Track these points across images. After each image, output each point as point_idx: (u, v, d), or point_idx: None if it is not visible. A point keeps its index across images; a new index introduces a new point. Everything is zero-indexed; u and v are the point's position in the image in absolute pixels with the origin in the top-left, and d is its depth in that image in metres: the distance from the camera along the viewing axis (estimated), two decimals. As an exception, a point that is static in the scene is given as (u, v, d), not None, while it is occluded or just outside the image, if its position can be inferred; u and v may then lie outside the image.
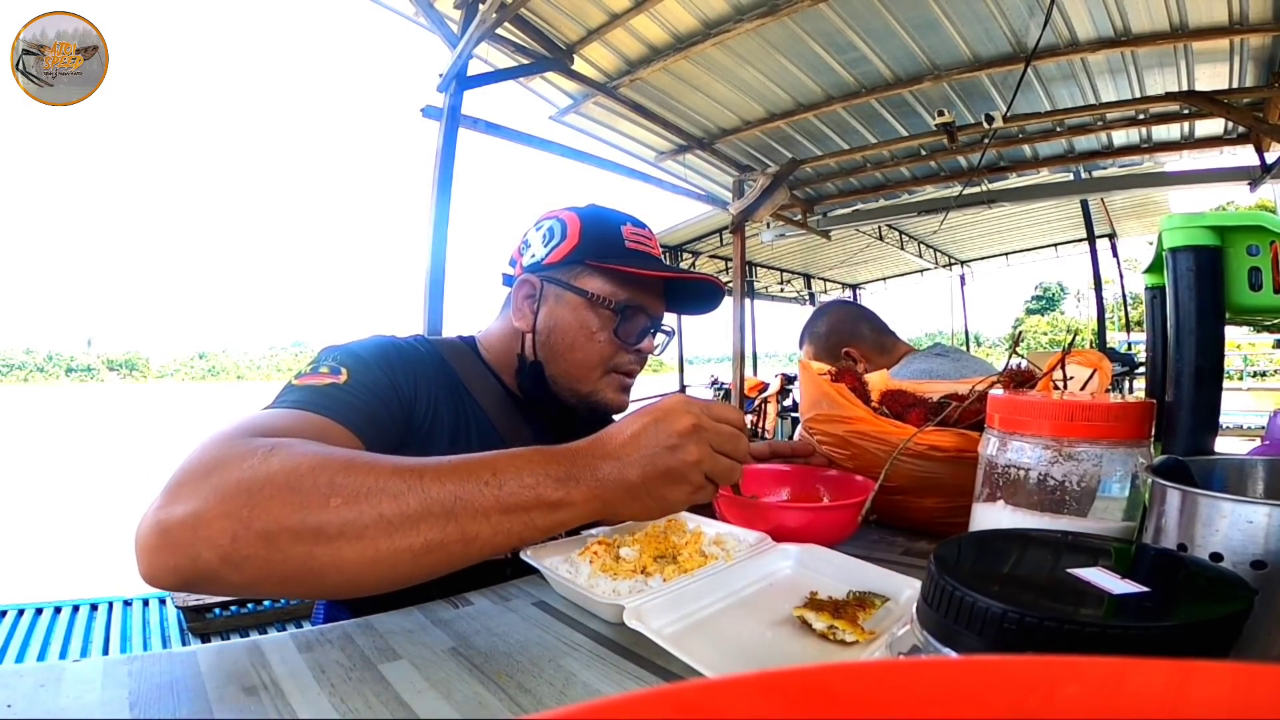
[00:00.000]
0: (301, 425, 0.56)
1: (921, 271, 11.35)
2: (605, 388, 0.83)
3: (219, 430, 0.50)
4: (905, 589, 0.52)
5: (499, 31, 3.20)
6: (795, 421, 1.15)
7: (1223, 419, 0.64)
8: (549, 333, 0.81)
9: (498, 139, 3.67)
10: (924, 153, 5.09)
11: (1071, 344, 0.84)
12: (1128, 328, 12.02)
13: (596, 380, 0.82)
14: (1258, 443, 0.75)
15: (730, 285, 5.64)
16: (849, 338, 1.54)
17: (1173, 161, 5.04)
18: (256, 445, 0.46)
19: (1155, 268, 0.71)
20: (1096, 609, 0.28)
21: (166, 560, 0.41)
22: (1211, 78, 3.79)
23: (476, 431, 0.78)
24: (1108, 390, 0.81)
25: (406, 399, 0.71)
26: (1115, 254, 8.94)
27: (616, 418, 0.56)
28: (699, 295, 0.88)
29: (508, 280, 0.88)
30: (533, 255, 0.83)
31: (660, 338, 0.87)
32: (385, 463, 0.45)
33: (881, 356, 1.52)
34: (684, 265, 8.65)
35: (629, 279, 0.80)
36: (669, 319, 0.89)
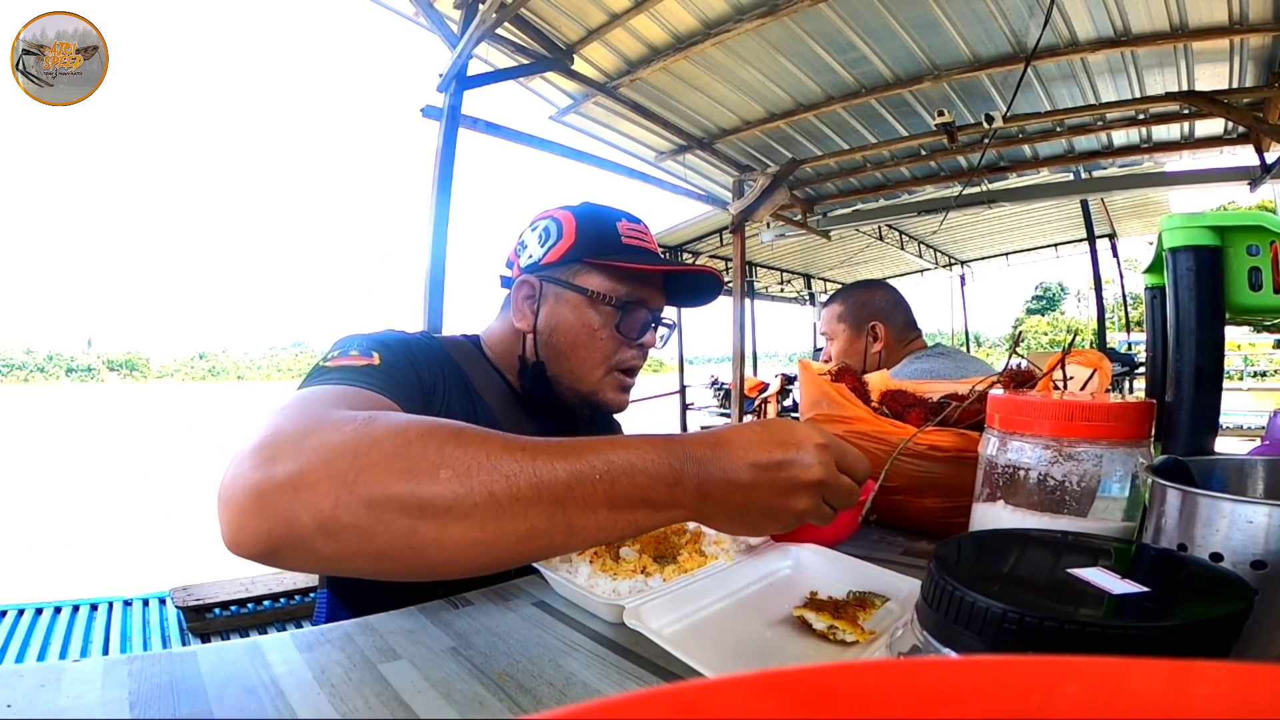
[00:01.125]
0: (363, 399, 0.54)
1: (921, 271, 11.34)
2: (606, 387, 0.83)
3: (283, 404, 0.48)
4: (905, 589, 0.53)
5: (499, 31, 3.20)
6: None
7: (1223, 419, 0.64)
8: (550, 332, 0.81)
9: (498, 139, 3.67)
10: (924, 153, 5.09)
11: (1071, 344, 0.84)
12: (1128, 328, 12.02)
13: (599, 379, 0.82)
14: (1258, 443, 0.75)
15: (730, 284, 5.65)
16: (882, 315, 1.55)
17: (1173, 161, 5.04)
18: (352, 413, 0.44)
19: (1155, 268, 0.71)
20: (1096, 609, 0.28)
21: (259, 525, 0.38)
22: (1211, 78, 3.79)
23: None
24: (1108, 390, 0.80)
25: (427, 390, 0.71)
26: (1115, 254, 8.94)
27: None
28: (697, 288, 0.89)
29: (505, 283, 0.88)
30: (530, 256, 0.83)
31: (662, 331, 0.88)
32: (495, 437, 0.43)
33: (898, 346, 1.53)
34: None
35: (628, 274, 0.81)
36: (669, 313, 0.89)
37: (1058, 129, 4.63)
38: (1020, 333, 1.64)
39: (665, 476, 0.44)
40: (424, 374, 0.70)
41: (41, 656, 2.37)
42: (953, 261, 10.93)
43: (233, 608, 2.70)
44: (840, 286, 1.70)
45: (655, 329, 0.85)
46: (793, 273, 10.94)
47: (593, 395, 0.83)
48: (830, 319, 1.63)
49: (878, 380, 1.01)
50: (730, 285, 5.62)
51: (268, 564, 0.40)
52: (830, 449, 0.48)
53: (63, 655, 2.38)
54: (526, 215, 0.89)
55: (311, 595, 2.85)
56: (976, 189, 5.54)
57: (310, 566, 0.40)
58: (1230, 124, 4.27)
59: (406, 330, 0.79)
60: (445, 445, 0.41)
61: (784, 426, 0.49)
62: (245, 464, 0.40)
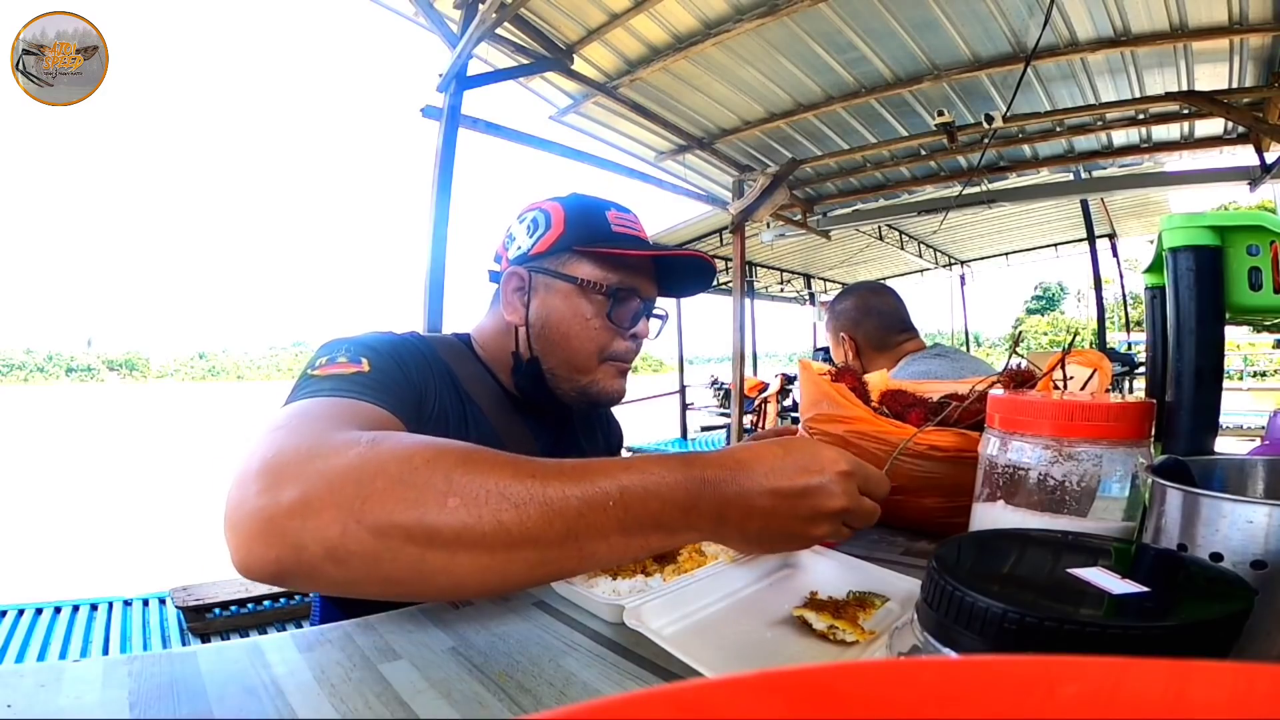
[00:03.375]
0: (357, 411, 0.53)
1: (921, 271, 11.35)
2: (603, 376, 0.82)
3: (280, 420, 0.47)
4: (905, 589, 0.52)
5: (499, 31, 3.20)
6: (795, 421, 1.19)
7: (1223, 419, 0.64)
8: (542, 324, 0.80)
9: (498, 139, 3.67)
10: (924, 153, 5.09)
11: (1071, 344, 0.84)
12: (1128, 328, 12.03)
13: (595, 369, 0.81)
14: (1258, 443, 0.75)
15: (730, 283, 5.64)
16: (850, 325, 1.58)
17: (1173, 161, 5.04)
18: (356, 435, 0.43)
19: (1155, 268, 0.71)
20: (1096, 609, 0.28)
21: (268, 551, 0.38)
22: (1211, 78, 3.79)
23: (475, 432, 0.77)
24: (1108, 390, 0.80)
25: (418, 393, 0.69)
26: (1115, 254, 8.94)
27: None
28: (690, 275, 0.87)
29: (494, 277, 0.87)
30: (519, 248, 0.82)
31: (656, 322, 0.87)
32: (505, 462, 0.42)
33: (879, 353, 1.54)
34: (684, 265, 8.59)
35: (618, 261, 0.79)
36: (666, 304, 0.88)
37: (1058, 129, 4.63)
38: (1020, 333, 1.65)
39: (680, 501, 0.43)
40: (413, 376, 0.69)
41: (41, 656, 2.37)
42: (952, 261, 10.93)
43: (233, 608, 2.70)
44: (840, 290, 1.76)
45: (648, 319, 0.84)
46: (793, 273, 10.93)
47: (591, 385, 0.82)
48: (825, 329, 1.69)
49: (878, 380, 1.01)
50: (730, 284, 5.62)
51: (279, 585, 0.40)
52: (855, 476, 0.48)
53: (63, 655, 2.38)
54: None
55: (309, 596, 2.84)
56: (976, 189, 5.54)
57: (321, 589, 0.41)
58: (1230, 124, 4.27)
59: (394, 331, 0.78)
60: (453, 471, 0.40)
61: (808, 451, 0.47)
62: (251, 488, 0.40)
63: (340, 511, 0.38)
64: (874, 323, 1.57)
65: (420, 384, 0.70)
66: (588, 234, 0.80)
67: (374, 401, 0.56)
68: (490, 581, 0.40)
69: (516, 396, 0.85)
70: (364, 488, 0.39)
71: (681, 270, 0.87)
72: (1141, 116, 4.34)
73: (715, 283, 0.92)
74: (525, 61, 3.63)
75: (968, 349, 10.97)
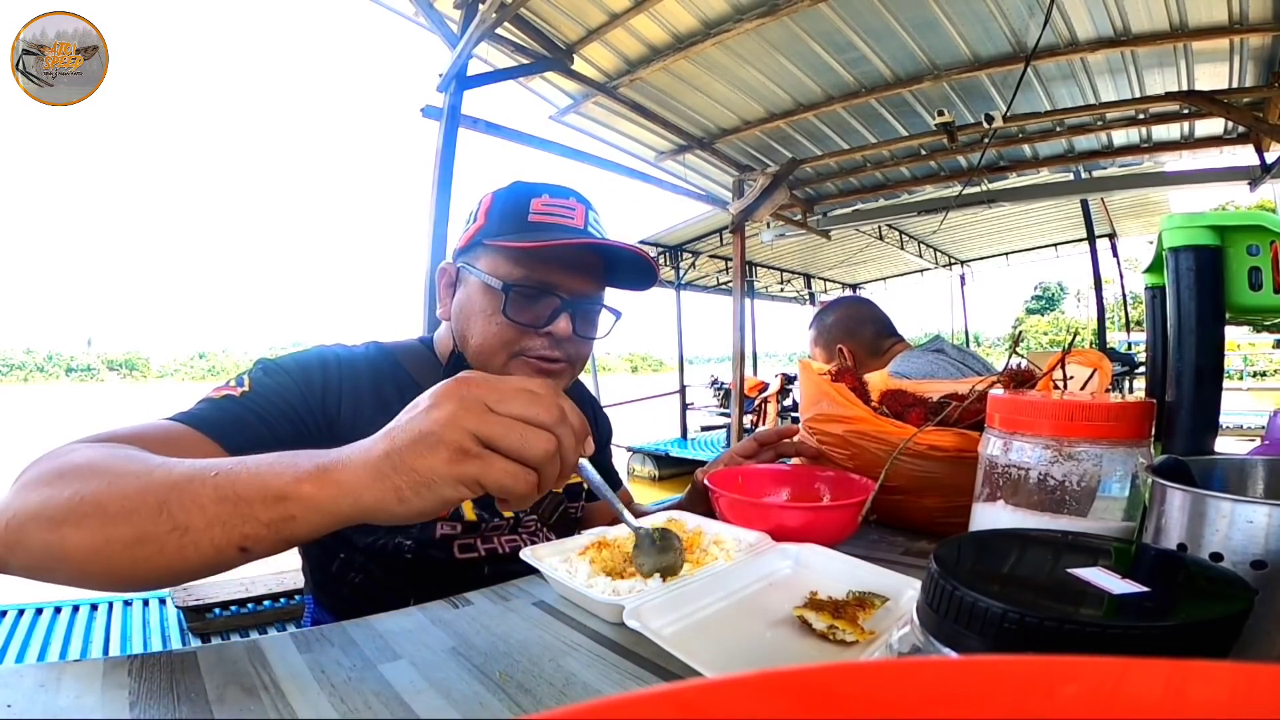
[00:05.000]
0: (154, 434, 0.57)
1: (921, 271, 11.35)
2: (515, 372, 0.76)
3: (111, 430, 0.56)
4: (905, 589, 0.52)
5: (499, 31, 3.20)
6: (795, 421, 1.20)
7: (1223, 419, 0.64)
8: (456, 319, 0.80)
9: (498, 139, 3.67)
10: (924, 152, 5.09)
11: (1071, 344, 0.84)
12: (1128, 328, 12.03)
13: (502, 365, 0.76)
14: (1258, 443, 0.75)
15: (730, 282, 5.64)
16: (846, 336, 1.59)
17: (1173, 161, 5.04)
18: (66, 447, 0.50)
19: (1155, 268, 0.71)
20: (1096, 609, 0.28)
21: None
22: (1211, 77, 3.79)
23: None
24: (1108, 390, 0.80)
25: (323, 412, 0.72)
26: (1115, 254, 8.94)
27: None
28: (631, 267, 0.81)
29: None
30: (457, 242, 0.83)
31: (608, 318, 0.83)
32: (136, 459, 0.46)
33: (875, 358, 1.56)
34: (684, 265, 8.62)
35: (526, 255, 0.74)
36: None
37: (1058, 129, 4.63)
38: (1020, 333, 1.65)
39: (294, 465, 0.42)
40: (315, 396, 0.72)
41: (41, 656, 2.37)
42: (953, 261, 10.93)
43: (232, 608, 2.69)
44: (814, 314, 1.76)
45: (569, 315, 0.76)
46: (793, 272, 10.93)
47: None
48: (810, 347, 1.68)
49: (878, 380, 1.01)
50: (730, 284, 5.61)
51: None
52: (471, 382, 0.42)
53: (63, 655, 2.38)
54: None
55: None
56: (976, 189, 5.54)
57: (17, 574, 0.45)
58: (1230, 124, 4.27)
59: (344, 344, 0.81)
60: (89, 468, 0.45)
61: (438, 385, 0.43)
62: None
63: (8, 510, 0.44)
64: (869, 330, 1.59)
65: (332, 403, 0.73)
66: (500, 226, 0.76)
67: (197, 425, 0.61)
68: (102, 564, 0.42)
69: None
70: (26, 487, 0.45)
71: (625, 263, 0.80)
72: (1141, 116, 4.34)
73: (659, 279, 0.86)
74: (525, 61, 3.63)
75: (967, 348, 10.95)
